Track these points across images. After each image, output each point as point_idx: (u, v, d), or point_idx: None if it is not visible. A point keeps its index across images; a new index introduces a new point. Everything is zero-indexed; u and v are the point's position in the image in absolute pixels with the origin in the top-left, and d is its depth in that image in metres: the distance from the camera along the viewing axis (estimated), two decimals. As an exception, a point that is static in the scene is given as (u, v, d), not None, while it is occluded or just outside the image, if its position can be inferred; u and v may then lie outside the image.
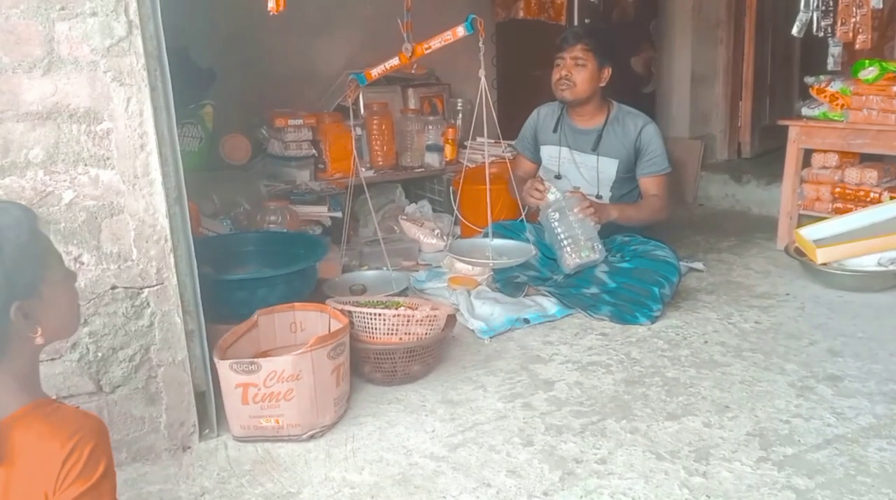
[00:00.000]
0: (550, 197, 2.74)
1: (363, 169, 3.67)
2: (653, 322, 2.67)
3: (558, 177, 3.00)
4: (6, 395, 1.05)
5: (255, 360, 1.94)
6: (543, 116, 3.05)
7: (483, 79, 2.28)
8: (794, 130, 3.49)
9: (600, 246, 2.71)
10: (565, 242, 2.72)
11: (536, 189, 2.75)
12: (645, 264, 2.72)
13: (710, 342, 2.53)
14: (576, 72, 2.80)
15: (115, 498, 1.11)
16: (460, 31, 2.43)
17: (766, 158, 4.69)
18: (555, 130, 2.98)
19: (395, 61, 2.56)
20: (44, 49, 1.63)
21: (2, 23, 1.59)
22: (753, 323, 2.67)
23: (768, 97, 4.84)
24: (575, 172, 2.95)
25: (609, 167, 2.90)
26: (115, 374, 1.83)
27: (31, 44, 1.61)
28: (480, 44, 2.32)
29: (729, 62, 4.72)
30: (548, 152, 3.04)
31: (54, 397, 1.31)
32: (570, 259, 2.72)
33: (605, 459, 1.86)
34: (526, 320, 2.71)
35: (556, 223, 2.72)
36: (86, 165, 1.72)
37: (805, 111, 3.48)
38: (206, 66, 3.56)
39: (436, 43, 2.48)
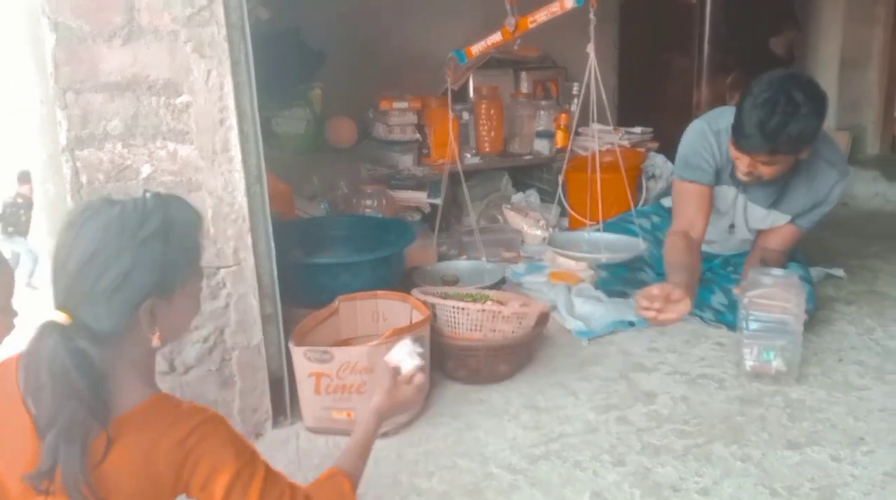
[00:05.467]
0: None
1: (468, 155, 3.54)
2: (778, 333, 2.34)
3: (732, 226, 2.44)
4: (127, 385, 1.03)
5: (329, 349, 1.84)
6: (725, 150, 2.24)
7: (592, 54, 2.06)
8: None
9: None
10: None
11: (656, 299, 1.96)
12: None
13: (845, 361, 2.20)
14: (765, 169, 2.11)
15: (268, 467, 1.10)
16: (569, 2, 2.21)
17: (925, 153, 4.15)
18: (733, 170, 2.25)
19: (496, 37, 2.38)
20: (124, 17, 1.58)
21: (83, -12, 1.56)
22: (901, 342, 2.31)
23: (932, 85, 4.27)
24: (741, 221, 2.41)
25: (778, 220, 2.35)
26: (189, 355, 1.79)
27: (112, 11, 1.57)
28: (591, 15, 2.09)
29: (886, 44, 4.19)
30: (723, 194, 2.37)
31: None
32: None
33: (707, 489, 1.62)
34: (631, 323, 2.47)
35: None
36: (164, 138, 1.68)
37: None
38: (317, 48, 3.53)
39: (541, 16, 2.27)
